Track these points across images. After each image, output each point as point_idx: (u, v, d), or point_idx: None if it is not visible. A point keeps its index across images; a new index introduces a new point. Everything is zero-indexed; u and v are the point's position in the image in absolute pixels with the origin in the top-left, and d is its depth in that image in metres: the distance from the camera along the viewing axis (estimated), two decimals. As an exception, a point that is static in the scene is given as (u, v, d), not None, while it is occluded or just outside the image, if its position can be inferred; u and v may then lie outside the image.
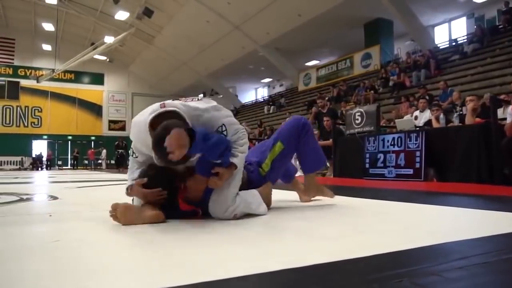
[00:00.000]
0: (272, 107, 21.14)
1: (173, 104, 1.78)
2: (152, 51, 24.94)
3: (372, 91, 13.53)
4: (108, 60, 26.77)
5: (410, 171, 5.38)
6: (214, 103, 1.90)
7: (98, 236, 1.59)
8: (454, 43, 15.37)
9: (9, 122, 26.74)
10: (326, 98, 10.54)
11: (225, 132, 1.86)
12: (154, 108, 1.79)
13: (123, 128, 29.97)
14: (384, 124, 8.82)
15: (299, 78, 21.11)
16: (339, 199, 3.22)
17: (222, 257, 1.20)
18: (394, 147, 5.66)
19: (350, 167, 6.55)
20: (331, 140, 7.17)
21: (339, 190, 4.54)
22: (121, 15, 20.39)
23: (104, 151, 23.54)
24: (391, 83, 13.69)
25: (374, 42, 16.45)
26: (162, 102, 1.80)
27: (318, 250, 1.27)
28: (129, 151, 1.97)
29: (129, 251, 1.34)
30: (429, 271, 1.00)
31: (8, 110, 26.89)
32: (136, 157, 1.93)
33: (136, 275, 1.03)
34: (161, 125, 1.64)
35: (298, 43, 18.80)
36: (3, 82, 26.60)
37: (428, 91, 10.43)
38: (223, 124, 1.86)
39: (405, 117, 8.20)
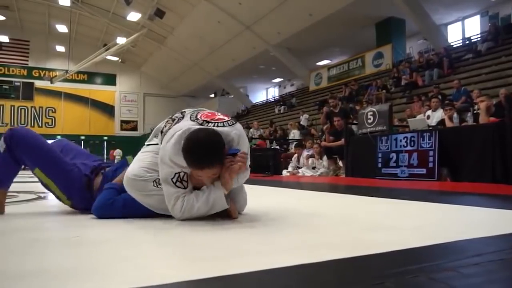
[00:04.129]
0: (283, 107, 21.12)
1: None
2: (163, 51, 25.12)
3: (384, 91, 13.44)
4: (120, 61, 27.10)
5: (423, 171, 5.35)
6: (241, 130, 1.91)
7: (118, 231, 1.63)
8: (467, 42, 15.19)
9: (24, 123, 27.18)
10: (338, 98, 10.54)
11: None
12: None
13: (135, 128, 30.31)
14: (396, 124, 8.79)
15: (310, 77, 21.05)
16: (351, 199, 3.24)
17: (242, 251, 1.23)
18: (407, 146, 5.63)
19: (362, 167, 6.53)
20: (343, 140, 7.16)
21: (351, 190, 4.56)
22: (133, 16, 20.57)
23: (119, 151, 23.79)
24: (403, 83, 13.58)
25: (385, 41, 16.33)
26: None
27: (333, 247, 1.29)
28: (175, 186, 1.79)
29: (154, 246, 1.37)
30: (445, 267, 1.01)
31: (23, 110, 27.37)
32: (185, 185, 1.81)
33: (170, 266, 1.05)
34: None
35: (309, 42, 18.75)
36: (18, 83, 27.08)
37: (440, 91, 10.34)
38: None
39: (418, 117, 8.16)
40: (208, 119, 1.84)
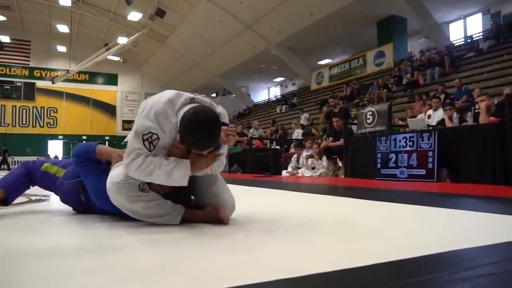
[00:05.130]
0: (284, 106, 21.06)
1: (203, 102, 1.78)
2: (164, 51, 25.10)
3: (385, 90, 13.36)
4: (121, 60, 27.11)
5: (423, 172, 5.29)
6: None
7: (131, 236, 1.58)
8: (469, 40, 15.08)
9: (25, 123, 27.26)
10: (338, 97, 10.46)
11: None
12: (184, 101, 1.74)
13: (138, 128, 30.25)
14: (398, 123, 8.73)
15: (311, 77, 20.97)
16: (348, 202, 3.18)
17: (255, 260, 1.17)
18: (406, 147, 5.57)
19: (361, 168, 6.47)
20: (342, 140, 7.09)
21: (349, 192, 4.50)
22: (134, 16, 20.55)
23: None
24: (404, 82, 13.50)
25: (387, 40, 16.24)
26: (193, 97, 1.77)
27: (317, 259, 1.23)
28: (143, 143, 1.68)
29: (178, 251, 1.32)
30: (431, 283, 0.95)
31: (24, 110, 27.41)
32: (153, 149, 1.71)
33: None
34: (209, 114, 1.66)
35: (311, 41, 18.68)
36: (20, 84, 27.14)
37: (445, 89, 10.26)
38: None
39: (418, 116, 8.09)
40: (196, 94, 1.84)
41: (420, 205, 2.67)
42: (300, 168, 8.28)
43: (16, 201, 2.36)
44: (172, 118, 1.70)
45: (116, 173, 1.80)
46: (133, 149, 1.70)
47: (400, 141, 5.67)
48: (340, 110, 8.26)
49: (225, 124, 1.78)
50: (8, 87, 27.10)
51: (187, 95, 1.77)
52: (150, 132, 1.67)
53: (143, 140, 1.68)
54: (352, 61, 18.27)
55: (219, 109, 1.82)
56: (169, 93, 1.77)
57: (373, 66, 16.87)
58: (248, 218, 2.09)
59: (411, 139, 5.52)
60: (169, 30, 22.43)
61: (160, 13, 19.42)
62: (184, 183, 1.74)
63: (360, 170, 6.48)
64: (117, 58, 26.27)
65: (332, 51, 20.71)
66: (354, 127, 7.53)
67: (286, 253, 1.33)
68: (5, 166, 20.98)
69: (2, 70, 26.92)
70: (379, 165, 5.98)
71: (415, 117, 8.26)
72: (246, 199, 3.70)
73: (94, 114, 29.20)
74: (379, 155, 6.00)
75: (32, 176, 2.26)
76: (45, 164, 2.22)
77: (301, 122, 13.92)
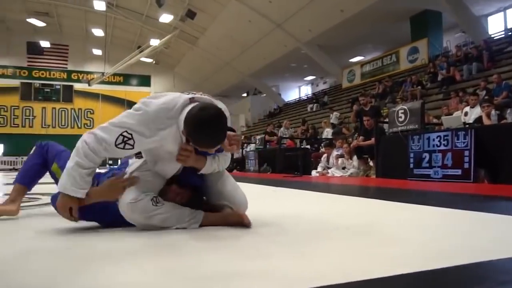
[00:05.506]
0: (315, 105, 20.83)
1: (203, 100, 1.72)
2: (196, 52, 25.40)
3: (419, 87, 12.94)
4: (154, 62, 27.66)
5: (458, 172, 5.06)
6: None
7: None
8: (509, 33, 14.37)
9: (64, 124, 28.35)
10: (370, 96, 10.22)
11: None
12: (183, 102, 1.67)
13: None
14: (432, 122, 8.42)
15: (343, 75, 20.63)
16: (378, 204, 3.05)
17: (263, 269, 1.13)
18: (440, 146, 5.35)
19: (393, 167, 6.28)
20: (373, 139, 6.91)
21: (380, 193, 4.36)
22: (165, 18, 20.87)
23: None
24: (439, 78, 13.02)
25: (421, 35, 15.72)
26: (192, 97, 1.69)
27: (334, 267, 1.17)
28: (117, 139, 1.62)
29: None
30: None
31: (63, 112, 28.50)
32: (128, 149, 1.65)
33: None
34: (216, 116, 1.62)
35: (341, 39, 18.36)
36: (59, 86, 28.24)
37: (487, 84, 9.81)
38: None
39: (454, 114, 7.78)
40: (195, 93, 1.77)
41: (454, 208, 2.53)
42: (330, 168, 8.15)
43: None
44: (169, 122, 1.64)
45: (126, 193, 1.75)
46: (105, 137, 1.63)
47: (433, 140, 5.46)
48: (371, 108, 8.06)
49: (231, 129, 1.75)
50: (48, 90, 28.25)
51: (185, 96, 1.70)
52: (126, 131, 1.62)
53: (116, 137, 1.62)
54: (385, 58, 17.83)
55: (220, 105, 1.77)
56: (164, 99, 1.69)
57: (406, 63, 16.39)
58: (268, 220, 2.04)
59: (445, 137, 5.30)
60: (199, 31, 22.67)
61: (191, 14, 19.65)
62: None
63: (392, 170, 6.29)
64: (149, 60, 26.82)
65: (364, 48, 20.29)
66: (385, 126, 7.31)
67: (303, 260, 1.27)
68: None
69: (43, 74, 28.09)
70: (411, 165, 5.78)
71: (451, 114, 7.95)
72: (271, 200, 3.65)
73: (129, 115, 29.90)
74: (411, 155, 5.80)
75: (46, 166, 2.23)
76: (54, 165, 2.16)
77: (331, 121, 13.71)
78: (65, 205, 1.68)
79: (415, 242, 1.53)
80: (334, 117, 14.30)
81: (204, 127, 1.57)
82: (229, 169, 13.00)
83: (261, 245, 1.52)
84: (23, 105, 27.63)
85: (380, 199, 3.26)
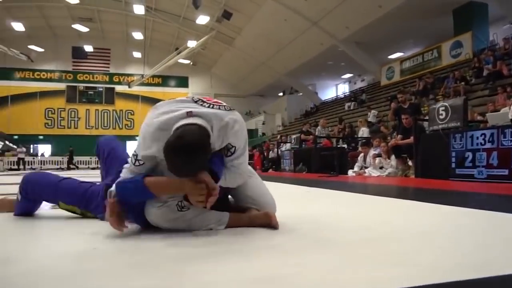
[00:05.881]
0: (353, 103, 20.43)
1: (202, 115, 1.60)
2: (232, 52, 25.61)
3: (462, 83, 12.36)
4: (191, 63, 28.14)
5: (505, 172, 4.75)
6: (240, 119, 1.70)
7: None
8: None
9: (106, 125, 29.45)
10: (409, 93, 9.86)
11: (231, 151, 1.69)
12: (179, 115, 1.60)
13: (206, 128, 31.34)
14: (477, 119, 8.01)
15: (381, 72, 20.11)
16: (417, 206, 2.87)
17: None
18: (485, 144, 5.05)
19: (433, 167, 6.00)
20: (412, 138, 6.65)
21: (420, 194, 4.16)
22: (202, 19, 21.17)
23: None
24: (485, 73, 12.38)
25: (465, 29, 15.02)
26: (190, 110, 1.61)
27: (358, 279, 1.09)
28: (130, 158, 1.70)
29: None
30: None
31: (105, 114, 29.62)
32: (141, 164, 1.67)
33: None
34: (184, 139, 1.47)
35: (380, 35, 17.90)
36: (101, 89, 29.37)
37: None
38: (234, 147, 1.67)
39: (502, 110, 7.34)
40: (204, 99, 1.70)
41: (501, 212, 2.34)
42: (367, 167, 7.92)
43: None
44: (164, 136, 1.56)
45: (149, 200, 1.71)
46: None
47: (477, 138, 5.16)
48: (410, 106, 7.75)
49: (213, 173, 1.59)
50: (92, 92, 29.47)
51: (185, 109, 1.62)
52: (137, 152, 1.67)
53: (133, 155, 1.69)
54: (426, 54, 17.19)
55: (228, 118, 1.62)
56: (162, 109, 1.65)
57: (449, 58, 15.72)
58: (296, 222, 1.97)
59: (491, 135, 5.00)
60: (235, 31, 22.83)
61: (227, 15, 19.83)
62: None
63: (432, 169, 6.01)
64: (187, 61, 27.30)
65: (403, 44, 19.69)
66: (426, 124, 7.02)
67: (330, 266, 1.20)
68: (72, 166, 22.85)
69: (86, 77, 29.34)
70: (453, 165, 5.50)
71: (498, 111, 7.51)
72: (303, 201, 3.57)
73: (167, 115, 30.62)
74: (453, 154, 5.52)
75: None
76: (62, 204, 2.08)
77: (369, 119, 13.37)
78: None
79: (457, 248, 1.42)
80: (372, 115, 13.95)
81: (172, 156, 1.48)
82: (265, 169, 12.96)
83: (288, 247, 1.46)
84: (69, 107, 28.96)
85: (422, 200, 3.07)
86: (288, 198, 3.74)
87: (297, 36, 20.18)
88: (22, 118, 27.52)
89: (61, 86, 28.74)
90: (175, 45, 24.64)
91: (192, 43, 22.27)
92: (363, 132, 11.13)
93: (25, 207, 2.17)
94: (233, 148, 1.67)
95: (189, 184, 1.59)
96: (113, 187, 1.68)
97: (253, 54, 24.60)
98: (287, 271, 1.12)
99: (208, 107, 1.66)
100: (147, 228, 1.79)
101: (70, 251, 1.44)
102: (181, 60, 24.97)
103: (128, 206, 1.74)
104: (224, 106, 1.69)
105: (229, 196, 1.99)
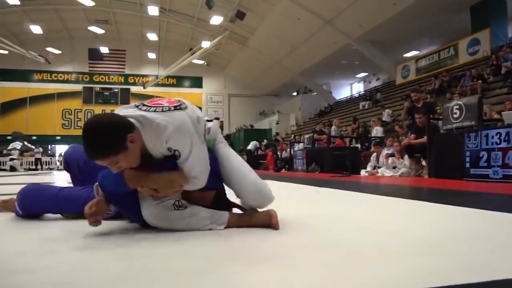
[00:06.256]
0: (367, 102, 20.20)
1: (132, 117, 1.56)
2: (246, 52, 25.62)
3: (479, 81, 12.09)
4: (205, 63, 28.25)
5: (521, 172, 4.62)
6: (180, 120, 1.60)
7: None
8: None
9: (122, 126, 29.79)
10: (424, 92, 9.69)
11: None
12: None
13: (221, 128, 31.41)
14: (494, 117, 7.82)
15: (396, 70, 19.83)
16: (431, 208, 2.77)
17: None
18: (500, 144, 4.91)
19: (447, 167, 5.87)
20: (425, 137, 6.52)
21: (433, 195, 4.07)
22: (216, 20, 21.22)
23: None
24: (503, 71, 12.08)
25: (482, 25, 14.68)
26: (138, 103, 1.67)
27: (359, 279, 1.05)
28: None
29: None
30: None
31: (121, 114, 29.98)
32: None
33: None
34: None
35: (394, 33, 17.63)
36: (117, 90, 29.74)
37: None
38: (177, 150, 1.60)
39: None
40: (147, 103, 1.66)
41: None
42: (380, 167, 7.81)
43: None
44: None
45: (144, 199, 1.69)
46: None
47: (493, 137, 5.03)
48: (424, 105, 7.61)
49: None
50: (108, 93, 29.85)
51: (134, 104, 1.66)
52: None
53: None
54: (442, 52, 16.87)
55: (159, 120, 1.54)
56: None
57: (466, 56, 15.39)
58: (299, 223, 1.93)
59: (506, 134, 4.86)
60: (249, 31, 22.83)
61: (240, 15, 19.82)
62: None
63: (446, 169, 5.89)
64: (201, 62, 27.43)
65: (419, 42, 19.38)
66: (439, 123, 6.88)
67: (328, 269, 1.16)
68: None
69: (102, 78, 29.74)
70: (467, 164, 5.37)
71: (515, 110, 7.33)
72: (311, 201, 3.51)
73: (182, 116, 30.83)
74: (467, 153, 5.39)
75: None
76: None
77: (383, 118, 13.20)
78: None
79: (471, 253, 1.36)
80: (386, 114, 13.77)
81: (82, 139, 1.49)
82: (277, 169, 12.90)
83: (286, 249, 1.42)
84: (85, 108, 29.39)
85: (436, 202, 2.96)
86: (295, 199, 3.70)
87: (310, 35, 20.06)
88: (40, 119, 28.07)
89: (78, 87, 29.19)
90: (189, 46, 24.76)
91: (206, 44, 22.36)
92: (377, 131, 11.00)
93: (27, 216, 2.13)
94: (177, 152, 1.60)
95: (162, 180, 1.60)
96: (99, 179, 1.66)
97: (267, 53, 24.57)
98: (282, 273, 1.08)
99: (145, 110, 1.60)
100: (145, 227, 1.78)
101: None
102: (195, 61, 25.11)
103: (127, 206, 1.74)
104: (163, 107, 1.61)
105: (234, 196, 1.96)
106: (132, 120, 1.54)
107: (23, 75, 27.87)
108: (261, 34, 22.32)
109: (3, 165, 18.03)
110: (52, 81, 28.89)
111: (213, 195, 1.83)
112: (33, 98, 28.27)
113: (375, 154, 8.18)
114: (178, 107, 1.64)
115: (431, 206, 2.77)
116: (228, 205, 1.93)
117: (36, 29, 23.21)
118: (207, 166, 1.70)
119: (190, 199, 1.76)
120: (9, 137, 22.48)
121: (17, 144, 18.22)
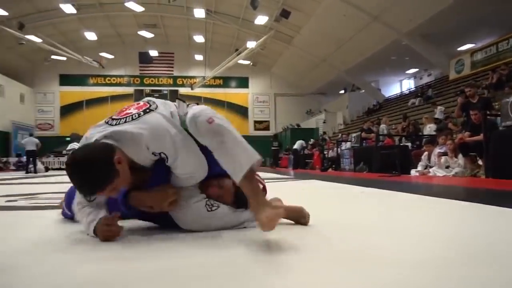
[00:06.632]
0: (418, 99, 19.40)
1: (108, 136, 1.54)
2: (291, 51, 25.49)
3: (543, 74, 11.24)
4: (251, 64, 28.43)
5: None
6: (153, 123, 1.57)
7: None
8: None
9: (171, 128, 30.69)
10: (480, 86, 9.13)
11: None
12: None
13: (267, 128, 31.63)
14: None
15: (449, 65, 18.86)
16: (488, 211, 2.58)
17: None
18: None
19: (506, 166, 5.49)
20: (481, 135, 6.14)
21: (491, 196, 3.80)
22: (261, 19, 21.27)
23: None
24: None
25: (546, 14, 13.65)
26: (107, 120, 1.67)
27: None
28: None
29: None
30: None
31: (170, 116, 30.87)
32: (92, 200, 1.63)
33: None
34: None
35: (447, 26, 16.77)
36: (166, 92, 30.63)
37: None
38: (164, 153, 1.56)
39: None
40: (116, 117, 1.63)
41: None
42: (432, 167, 7.46)
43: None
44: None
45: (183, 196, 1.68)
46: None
47: (558, 134, 4.64)
48: (480, 100, 7.17)
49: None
50: (157, 95, 30.69)
51: (96, 135, 1.58)
52: None
53: None
54: (500, 44, 15.81)
55: (132, 128, 1.53)
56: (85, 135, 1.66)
57: (527, 47, 14.36)
58: (333, 225, 1.87)
59: None
60: (294, 30, 22.70)
61: (285, 14, 19.75)
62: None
63: (504, 169, 5.50)
64: (247, 62, 27.62)
65: (474, 34, 18.29)
66: (497, 120, 6.45)
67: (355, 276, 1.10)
68: None
69: (152, 81, 30.80)
70: (529, 164, 4.99)
71: None
72: (353, 201, 3.40)
73: (228, 116, 31.13)
74: (529, 152, 5.01)
75: None
76: None
77: (436, 116, 12.60)
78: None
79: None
80: (438, 111, 13.14)
81: (68, 175, 1.45)
82: (324, 169, 12.72)
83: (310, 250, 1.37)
84: (137, 110, 30.51)
85: (492, 204, 2.75)
86: (335, 198, 3.61)
87: (357, 32, 19.56)
88: (96, 120, 28.69)
89: (130, 90, 30.38)
90: (235, 46, 25.02)
91: (251, 44, 22.49)
92: (430, 129, 10.52)
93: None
94: (163, 154, 1.56)
95: (153, 196, 1.60)
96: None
97: (313, 52, 24.30)
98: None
99: (116, 124, 1.58)
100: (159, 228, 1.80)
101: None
102: (241, 61, 25.33)
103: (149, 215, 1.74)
104: (132, 115, 1.58)
105: None
106: (108, 141, 1.52)
107: (80, 80, 29.48)
108: (307, 32, 22.09)
109: (63, 165, 19.15)
110: (106, 84, 30.31)
111: (232, 192, 1.78)
112: (89, 101, 29.79)
113: (426, 153, 7.82)
114: (147, 110, 1.61)
115: (489, 209, 2.59)
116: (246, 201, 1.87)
117: (91, 36, 24.46)
118: (200, 157, 1.64)
119: (211, 196, 1.73)
120: (67, 138, 23.82)
121: (75, 145, 19.03)
